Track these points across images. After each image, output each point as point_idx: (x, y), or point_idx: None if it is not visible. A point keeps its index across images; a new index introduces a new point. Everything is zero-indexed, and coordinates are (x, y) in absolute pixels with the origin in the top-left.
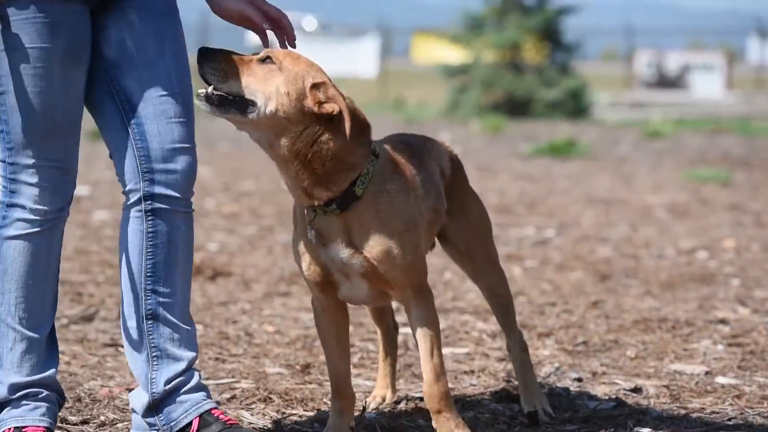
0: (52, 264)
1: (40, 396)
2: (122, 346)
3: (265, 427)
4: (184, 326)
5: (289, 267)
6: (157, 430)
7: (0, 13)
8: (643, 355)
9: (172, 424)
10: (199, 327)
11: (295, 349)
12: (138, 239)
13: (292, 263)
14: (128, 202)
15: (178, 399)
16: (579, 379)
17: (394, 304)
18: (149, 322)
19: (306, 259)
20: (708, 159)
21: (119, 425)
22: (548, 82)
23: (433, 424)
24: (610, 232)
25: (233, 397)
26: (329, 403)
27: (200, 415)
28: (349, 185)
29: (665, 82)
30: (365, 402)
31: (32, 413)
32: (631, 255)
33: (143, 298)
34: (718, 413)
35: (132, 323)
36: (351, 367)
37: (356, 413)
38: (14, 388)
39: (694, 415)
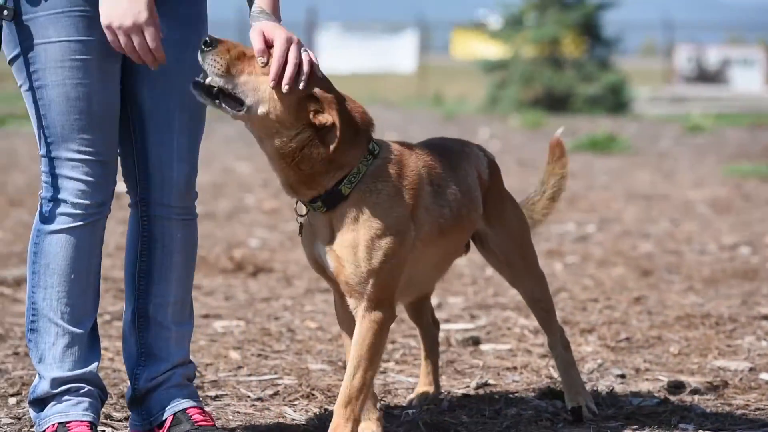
0: (94, 259)
1: (81, 391)
2: None
3: (309, 423)
4: (174, 327)
5: None
6: (139, 423)
7: (11, 10)
8: (686, 352)
9: (151, 419)
10: (241, 323)
11: (337, 346)
12: (134, 241)
13: None
14: (129, 203)
15: (157, 396)
16: (622, 376)
17: (434, 300)
18: (140, 320)
19: (306, 253)
20: (749, 153)
21: None
22: (588, 77)
23: None
24: (651, 227)
25: (276, 393)
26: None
27: (174, 414)
28: (336, 184)
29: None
30: (408, 399)
31: (75, 408)
32: (672, 250)
33: (137, 297)
34: (762, 410)
35: (127, 319)
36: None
37: (397, 410)
38: (56, 382)
39: (739, 411)
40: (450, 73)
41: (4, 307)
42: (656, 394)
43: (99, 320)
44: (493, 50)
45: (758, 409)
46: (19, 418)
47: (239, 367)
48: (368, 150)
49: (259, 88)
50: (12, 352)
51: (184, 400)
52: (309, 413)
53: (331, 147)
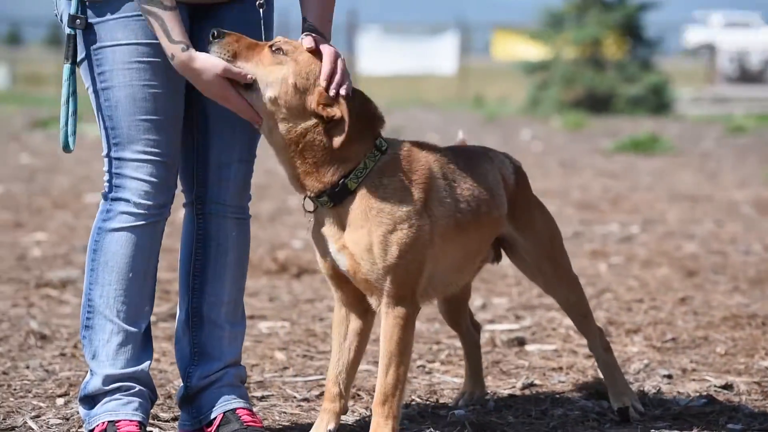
0: (152, 260)
1: (132, 391)
2: None
3: (354, 424)
4: (228, 327)
5: None
6: (188, 422)
7: (83, 19)
8: (732, 352)
9: (201, 417)
10: (285, 324)
11: None
12: (189, 240)
13: None
14: (183, 203)
15: (208, 395)
16: (669, 376)
17: (478, 301)
18: (194, 319)
19: (318, 252)
20: None
21: None
22: (630, 78)
23: None
24: (695, 228)
25: (322, 393)
26: (417, 399)
27: (224, 413)
28: (341, 178)
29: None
30: (454, 399)
31: (125, 408)
32: (717, 251)
33: (191, 296)
34: None
35: (181, 319)
36: (355, 372)
37: (443, 410)
38: (108, 379)
39: None
40: (491, 75)
41: (50, 308)
42: (703, 395)
43: None
44: (534, 51)
45: None
46: (67, 419)
47: (285, 368)
48: (375, 146)
49: (267, 72)
50: (59, 353)
51: (235, 400)
52: (355, 413)
53: (337, 140)
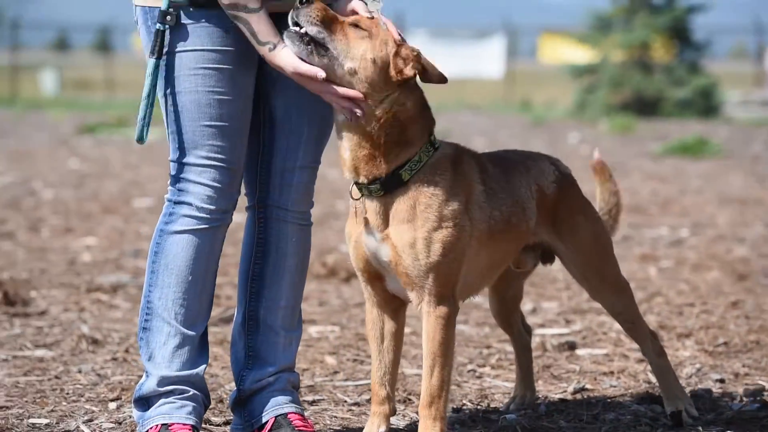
0: (212, 265)
1: (186, 394)
2: None
3: (406, 428)
4: (283, 332)
5: None
6: (240, 426)
7: (174, 16)
8: None
9: (253, 420)
10: (335, 328)
11: None
12: (250, 244)
13: None
14: (246, 206)
15: (261, 398)
16: (721, 381)
17: (528, 305)
18: (250, 323)
19: (351, 244)
20: None
21: None
22: (678, 81)
23: None
24: (745, 231)
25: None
26: (468, 403)
27: (275, 417)
28: (398, 168)
29: None
30: (505, 403)
31: (179, 411)
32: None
33: (248, 300)
34: None
35: (237, 322)
36: (397, 371)
37: (494, 415)
38: (163, 381)
39: None
40: (537, 78)
41: (101, 313)
42: (757, 399)
43: None
44: (581, 55)
45: None
46: (120, 423)
47: (335, 372)
48: (430, 141)
49: (350, 47)
50: (110, 358)
51: (287, 404)
52: (406, 418)
53: (435, 75)
